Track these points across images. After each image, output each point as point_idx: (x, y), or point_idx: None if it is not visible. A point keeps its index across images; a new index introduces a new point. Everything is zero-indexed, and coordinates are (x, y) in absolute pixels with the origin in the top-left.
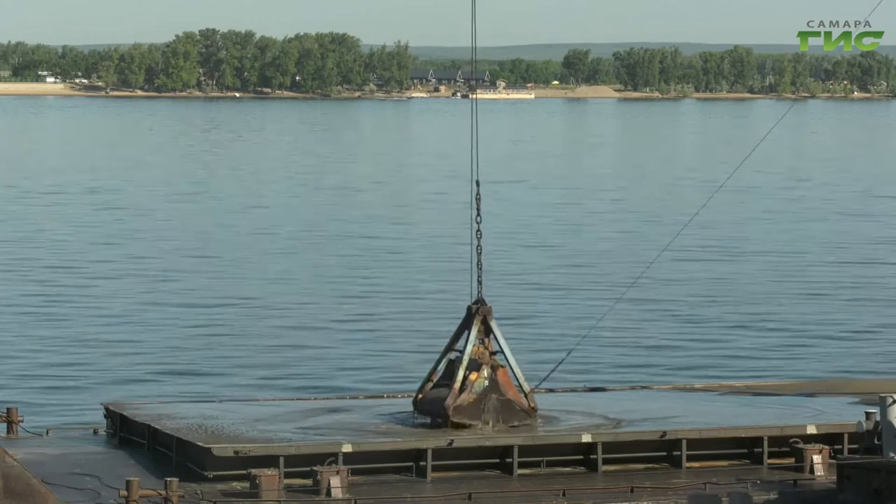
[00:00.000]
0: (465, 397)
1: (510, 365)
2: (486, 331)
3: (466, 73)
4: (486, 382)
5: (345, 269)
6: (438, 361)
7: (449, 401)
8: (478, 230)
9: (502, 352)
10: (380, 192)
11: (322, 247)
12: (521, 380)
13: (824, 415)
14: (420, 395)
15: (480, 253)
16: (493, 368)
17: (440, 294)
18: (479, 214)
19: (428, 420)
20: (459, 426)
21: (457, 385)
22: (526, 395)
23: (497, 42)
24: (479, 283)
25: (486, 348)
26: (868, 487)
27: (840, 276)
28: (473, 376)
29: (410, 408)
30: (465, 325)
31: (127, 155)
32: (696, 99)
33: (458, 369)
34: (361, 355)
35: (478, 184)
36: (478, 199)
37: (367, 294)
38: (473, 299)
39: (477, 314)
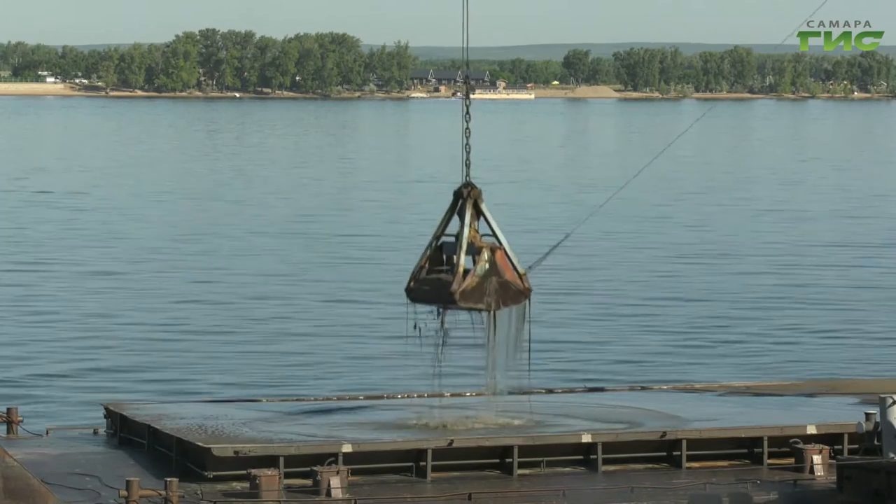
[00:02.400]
0: (469, 281)
1: (504, 246)
2: (477, 214)
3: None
4: (487, 265)
5: (345, 270)
6: (429, 247)
7: (455, 286)
8: (466, 112)
9: (495, 234)
10: (379, 191)
11: (321, 247)
12: (516, 261)
13: (824, 415)
14: (413, 283)
15: (469, 136)
16: (492, 250)
17: None
18: (468, 97)
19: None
20: (465, 310)
21: (460, 269)
22: (521, 276)
23: (497, 42)
24: (467, 166)
25: (476, 231)
26: (868, 488)
27: (840, 275)
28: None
29: (410, 408)
30: (453, 210)
31: (126, 155)
32: (697, 99)
33: (458, 253)
34: (362, 355)
35: (467, 65)
36: (466, 83)
37: (368, 294)
38: (462, 183)
39: (468, 197)
